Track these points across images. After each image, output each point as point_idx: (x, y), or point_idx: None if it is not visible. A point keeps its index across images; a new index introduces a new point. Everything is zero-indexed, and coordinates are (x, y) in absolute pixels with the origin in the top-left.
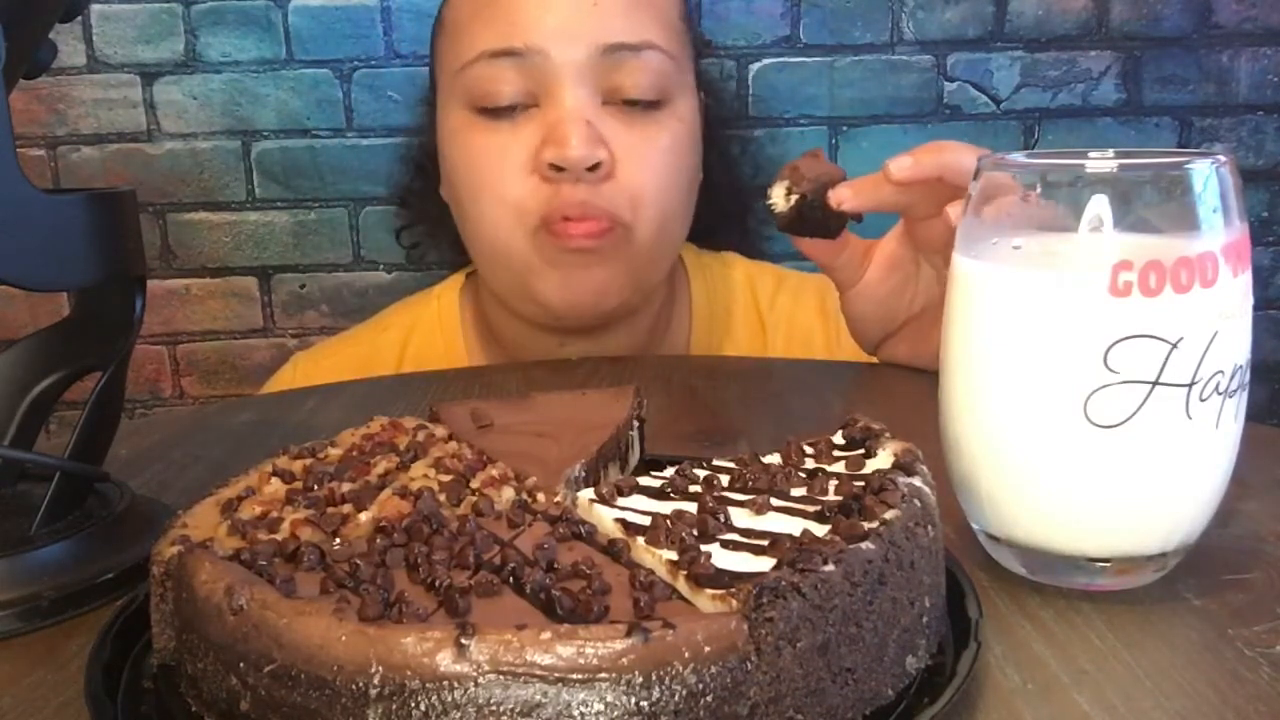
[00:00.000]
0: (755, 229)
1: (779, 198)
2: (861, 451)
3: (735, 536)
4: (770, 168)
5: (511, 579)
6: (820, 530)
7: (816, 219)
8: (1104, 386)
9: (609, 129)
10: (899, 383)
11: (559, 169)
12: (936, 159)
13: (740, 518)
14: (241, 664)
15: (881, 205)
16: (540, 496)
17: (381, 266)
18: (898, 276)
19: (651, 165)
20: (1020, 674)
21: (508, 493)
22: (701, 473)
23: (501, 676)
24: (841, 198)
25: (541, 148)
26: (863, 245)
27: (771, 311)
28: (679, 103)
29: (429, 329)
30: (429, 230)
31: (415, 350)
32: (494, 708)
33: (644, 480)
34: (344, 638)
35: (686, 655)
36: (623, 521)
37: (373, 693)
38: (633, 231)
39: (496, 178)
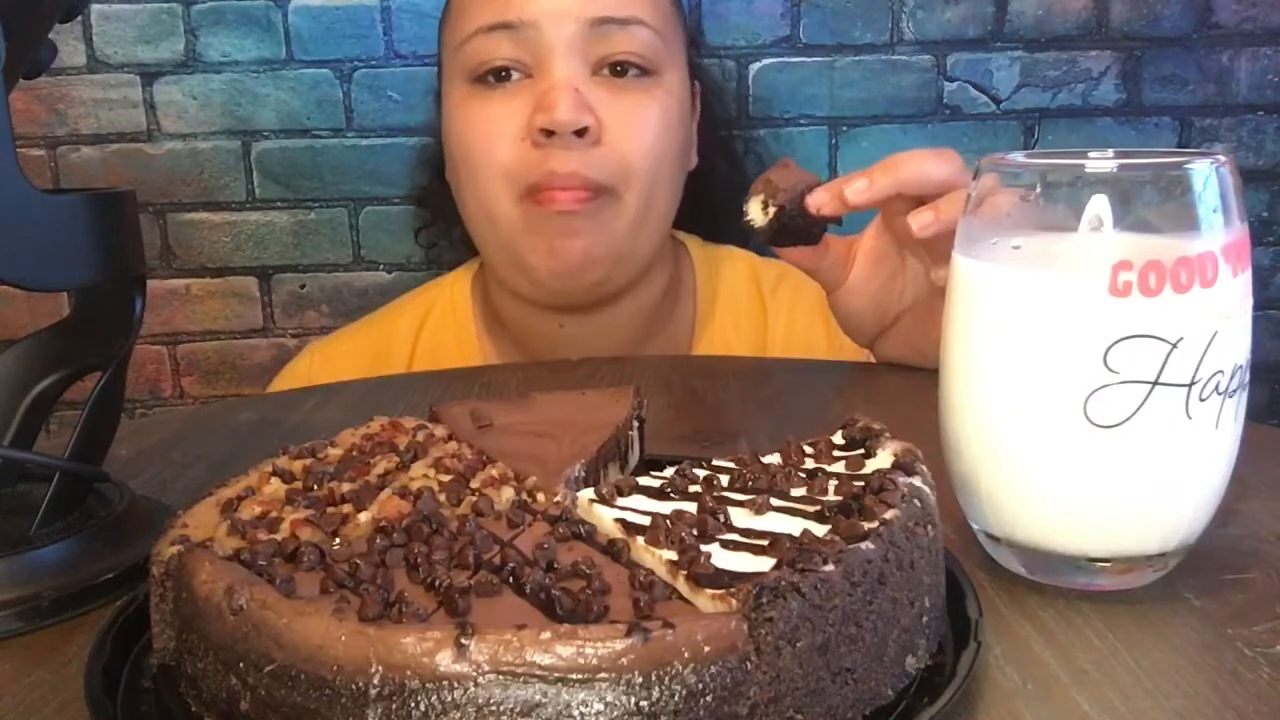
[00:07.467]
0: None
1: (756, 213)
2: (861, 451)
3: (735, 536)
4: None
5: (511, 579)
6: (820, 530)
7: (798, 227)
8: (1104, 386)
9: (598, 99)
10: (899, 383)
11: (549, 133)
12: (891, 178)
13: (740, 518)
14: (241, 664)
15: (858, 207)
16: (540, 496)
17: (381, 266)
18: (884, 270)
19: (640, 133)
20: (1020, 674)
21: (508, 493)
22: (701, 473)
23: (501, 676)
24: (820, 202)
25: (532, 114)
26: (845, 244)
27: (774, 298)
28: (667, 77)
29: (442, 315)
30: (445, 229)
31: (428, 337)
32: (494, 708)
33: (644, 480)
34: (344, 638)
35: (686, 655)
36: (623, 521)
37: (372, 693)
38: (620, 199)
39: (489, 144)
